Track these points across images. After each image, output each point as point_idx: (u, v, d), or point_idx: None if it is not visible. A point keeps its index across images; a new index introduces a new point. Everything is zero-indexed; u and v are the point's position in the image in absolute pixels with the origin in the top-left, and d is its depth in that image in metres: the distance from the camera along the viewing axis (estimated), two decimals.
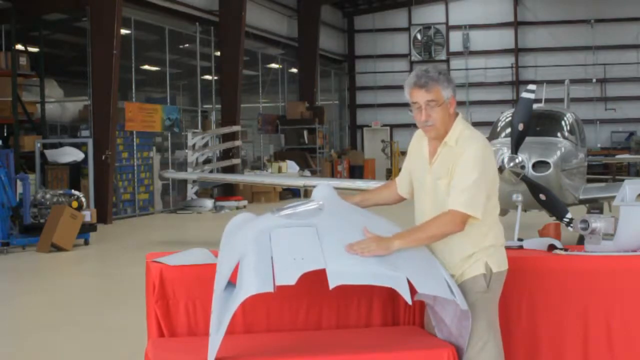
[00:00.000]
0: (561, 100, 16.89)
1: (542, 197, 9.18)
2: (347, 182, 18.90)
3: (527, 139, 9.67)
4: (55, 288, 11.26)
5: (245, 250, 3.89)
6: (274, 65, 32.65)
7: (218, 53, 26.50)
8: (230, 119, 25.96)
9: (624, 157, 31.04)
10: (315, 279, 4.54)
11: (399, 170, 4.62)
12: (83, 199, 15.33)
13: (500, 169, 9.52)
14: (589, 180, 13.43)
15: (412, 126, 4.70)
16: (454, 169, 4.09)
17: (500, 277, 4.23)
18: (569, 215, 8.57)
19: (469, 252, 4.15)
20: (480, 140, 4.16)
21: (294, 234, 3.94)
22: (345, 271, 3.79)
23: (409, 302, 3.85)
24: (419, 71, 4.15)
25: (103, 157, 19.28)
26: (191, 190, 23.58)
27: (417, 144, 4.36)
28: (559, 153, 11.05)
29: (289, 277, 3.75)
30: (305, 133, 32.15)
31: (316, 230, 3.94)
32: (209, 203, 23.26)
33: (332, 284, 3.74)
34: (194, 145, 24.31)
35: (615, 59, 36.34)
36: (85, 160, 19.60)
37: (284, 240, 3.91)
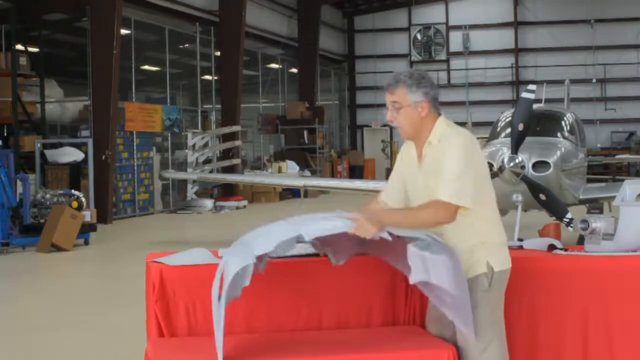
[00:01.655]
0: (561, 100, 16.88)
1: (542, 197, 9.18)
2: (346, 182, 18.91)
3: (527, 139, 9.67)
4: (55, 288, 11.26)
5: (226, 259, 4.00)
6: (274, 65, 32.65)
7: (218, 53, 26.50)
8: (230, 119, 25.96)
9: (624, 157, 31.03)
10: (316, 280, 4.55)
11: None
12: (83, 199, 15.33)
13: (500, 169, 9.53)
14: (589, 180, 13.42)
15: None
16: (440, 164, 4.11)
17: (503, 276, 4.23)
18: (569, 215, 8.58)
19: (470, 251, 4.16)
20: (463, 134, 4.19)
21: (271, 228, 4.07)
22: (317, 228, 3.93)
23: (389, 238, 3.94)
24: (395, 73, 4.25)
25: (103, 157, 19.28)
26: (191, 190, 23.58)
27: (407, 151, 4.40)
28: (559, 153, 11.05)
29: (266, 246, 3.91)
30: (305, 133, 32.14)
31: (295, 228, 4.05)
32: (209, 203, 23.27)
33: (308, 237, 3.91)
34: (194, 145, 24.31)
35: (615, 59, 36.32)
36: (85, 160, 19.60)
37: (261, 234, 4.06)
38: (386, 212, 4.12)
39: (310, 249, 4.49)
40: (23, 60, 19.28)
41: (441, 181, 4.06)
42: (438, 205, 4.03)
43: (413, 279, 4.03)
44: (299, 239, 4.03)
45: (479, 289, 4.15)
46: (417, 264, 4.01)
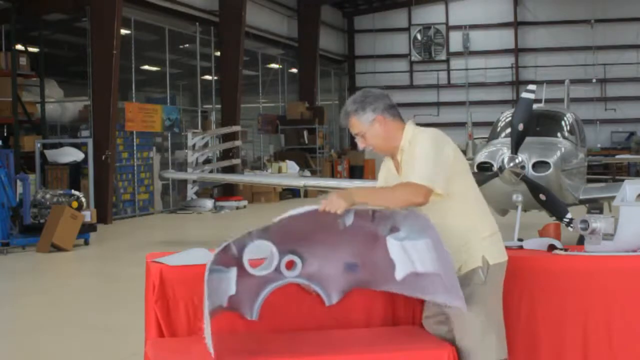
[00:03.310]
0: (561, 100, 16.89)
1: (542, 197, 9.17)
2: (346, 182, 18.91)
3: (527, 139, 9.66)
4: (55, 288, 11.27)
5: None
6: (274, 65, 32.66)
7: (218, 53, 26.51)
8: (230, 119, 25.96)
9: (624, 157, 31.03)
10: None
11: None
12: (83, 199, 15.32)
13: (500, 169, 9.52)
14: (589, 180, 13.42)
15: None
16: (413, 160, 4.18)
17: (499, 269, 4.24)
18: (569, 215, 8.57)
19: (462, 247, 4.17)
20: (430, 130, 4.26)
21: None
22: (284, 215, 3.96)
23: (359, 208, 4.01)
24: (343, 107, 4.33)
25: (103, 157, 19.28)
26: (191, 190, 23.59)
27: (385, 169, 4.47)
28: (559, 153, 11.05)
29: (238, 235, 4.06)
30: (305, 133, 32.14)
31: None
32: (209, 203, 23.27)
33: (277, 219, 3.96)
34: (194, 146, 24.31)
35: (615, 59, 36.33)
36: (85, 160, 19.60)
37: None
38: (357, 189, 4.14)
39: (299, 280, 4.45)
40: (23, 60, 19.29)
41: (413, 167, 4.10)
42: (411, 186, 4.05)
43: (399, 274, 4.01)
44: (269, 228, 4.03)
45: (475, 283, 4.16)
46: (399, 256, 4.00)
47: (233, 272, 4.00)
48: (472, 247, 4.19)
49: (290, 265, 4.32)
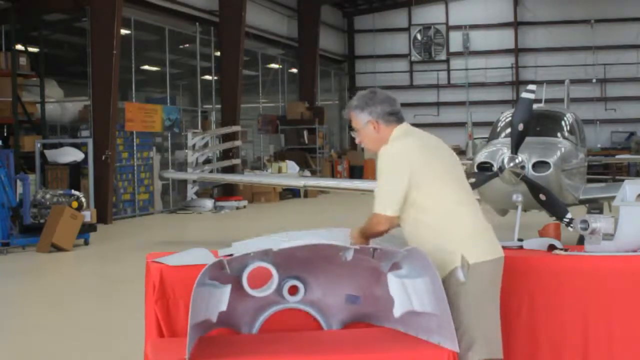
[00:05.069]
0: (561, 100, 16.88)
1: (542, 197, 9.17)
2: (346, 182, 18.92)
3: (527, 139, 9.66)
4: (55, 288, 11.27)
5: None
6: (274, 65, 32.66)
7: (218, 53, 26.51)
8: (230, 119, 25.96)
9: (624, 157, 31.01)
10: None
11: None
12: (83, 199, 15.32)
13: (500, 169, 9.52)
14: (589, 180, 13.41)
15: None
16: None
17: (484, 268, 4.18)
18: (569, 216, 8.56)
19: (440, 248, 4.16)
20: (392, 143, 4.34)
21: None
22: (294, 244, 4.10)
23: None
24: (352, 98, 4.57)
25: (103, 157, 19.27)
26: (191, 190, 23.58)
27: None
28: (559, 153, 11.04)
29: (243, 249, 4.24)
30: (305, 133, 32.14)
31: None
32: (209, 203, 23.26)
33: (280, 247, 4.08)
34: (194, 146, 24.30)
35: (615, 59, 36.32)
36: (85, 160, 19.59)
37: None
38: (357, 231, 4.44)
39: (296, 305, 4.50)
40: (23, 60, 19.28)
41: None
42: (373, 218, 4.30)
43: (397, 311, 4.05)
44: (270, 252, 4.06)
45: (455, 283, 4.13)
46: (399, 293, 4.03)
47: (227, 289, 3.99)
48: (450, 248, 4.16)
49: (294, 290, 4.36)
